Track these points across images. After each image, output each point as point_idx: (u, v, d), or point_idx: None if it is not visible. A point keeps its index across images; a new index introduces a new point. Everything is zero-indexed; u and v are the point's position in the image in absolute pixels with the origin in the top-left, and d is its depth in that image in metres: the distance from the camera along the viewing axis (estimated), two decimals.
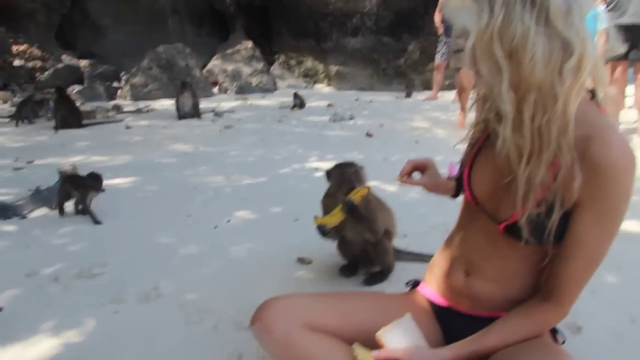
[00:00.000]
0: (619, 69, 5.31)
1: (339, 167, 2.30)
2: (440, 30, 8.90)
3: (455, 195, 1.73)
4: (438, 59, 9.07)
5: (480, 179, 1.43)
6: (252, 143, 5.54)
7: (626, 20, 5.09)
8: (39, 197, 3.54)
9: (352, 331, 1.43)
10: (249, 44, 11.24)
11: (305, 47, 11.77)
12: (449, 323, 1.53)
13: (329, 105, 8.39)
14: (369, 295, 1.71)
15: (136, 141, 5.70)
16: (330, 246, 2.45)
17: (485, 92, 1.29)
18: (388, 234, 2.39)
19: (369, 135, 5.83)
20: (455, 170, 1.71)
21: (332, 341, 1.39)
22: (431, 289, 1.60)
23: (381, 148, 5.18)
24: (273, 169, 4.41)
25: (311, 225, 3.05)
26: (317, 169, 4.37)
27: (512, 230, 1.32)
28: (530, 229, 1.26)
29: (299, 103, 8.07)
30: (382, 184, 3.92)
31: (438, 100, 9.22)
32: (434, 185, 1.74)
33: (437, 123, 6.78)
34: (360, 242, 2.32)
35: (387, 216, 2.41)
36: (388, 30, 11.33)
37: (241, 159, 4.84)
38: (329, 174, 2.33)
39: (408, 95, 9.82)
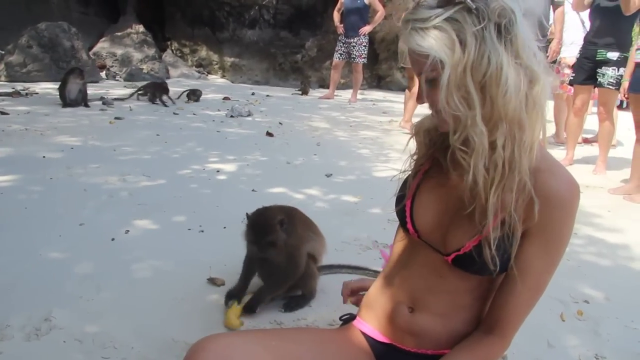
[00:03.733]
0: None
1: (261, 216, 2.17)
2: (340, 30, 8.92)
3: None
4: (336, 58, 9.09)
5: (425, 211, 1.40)
6: (146, 138, 5.21)
7: None
8: None
9: None
10: (141, 27, 10.67)
11: (199, 36, 11.37)
12: (386, 356, 1.46)
13: (224, 98, 8.14)
14: (305, 333, 1.56)
15: (14, 130, 5.16)
16: (241, 263, 2.29)
17: (449, 124, 1.21)
18: (313, 258, 2.27)
19: (269, 134, 5.67)
20: (388, 256, 1.64)
21: None
22: (370, 326, 1.51)
23: (284, 150, 5.05)
24: (172, 169, 4.15)
25: (219, 238, 2.90)
26: (218, 171, 4.17)
27: (462, 261, 1.30)
28: (486, 257, 1.25)
29: (194, 98, 7.71)
30: (288, 191, 3.81)
31: (334, 99, 9.23)
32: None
33: (336, 124, 6.76)
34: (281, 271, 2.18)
35: (312, 242, 2.28)
36: (286, 25, 11.18)
37: (136, 156, 4.52)
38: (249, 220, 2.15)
39: (304, 92, 9.75)
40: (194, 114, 6.67)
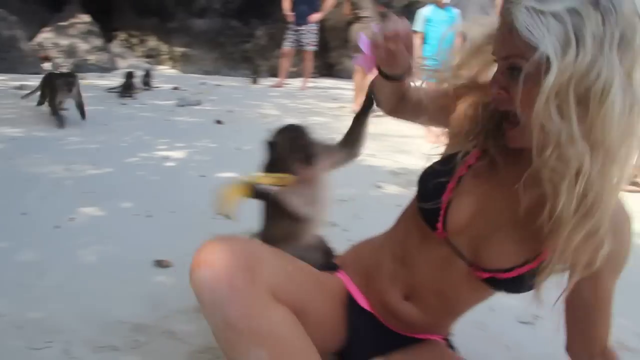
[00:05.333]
0: None
1: (287, 131, 1.81)
2: (290, 18, 8.90)
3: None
4: (286, 46, 9.08)
5: (461, 212, 1.25)
6: (93, 128, 5.10)
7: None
8: None
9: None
10: (86, 17, 10.39)
11: (148, 26, 11.14)
12: (359, 321, 1.42)
13: (174, 88, 8.03)
14: (309, 270, 1.44)
15: None
16: (190, 245, 2.28)
17: (533, 136, 1.02)
18: None
19: (219, 122, 5.64)
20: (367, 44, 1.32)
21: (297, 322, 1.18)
22: (353, 285, 1.47)
23: (233, 136, 5.03)
24: (119, 157, 4.09)
25: (167, 222, 2.88)
26: (167, 158, 4.13)
27: (497, 283, 1.23)
28: (526, 284, 1.17)
29: (131, 83, 7.37)
30: (236, 173, 3.78)
31: (284, 87, 9.22)
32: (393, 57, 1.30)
33: (287, 111, 6.77)
34: None
35: None
36: (236, 14, 11.08)
37: (82, 145, 4.43)
38: (274, 144, 1.79)
39: (254, 81, 9.70)
40: (142, 104, 6.57)
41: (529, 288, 1.17)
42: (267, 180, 1.67)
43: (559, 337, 1.35)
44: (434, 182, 1.28)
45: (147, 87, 7.62)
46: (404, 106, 1.49)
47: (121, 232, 2.74)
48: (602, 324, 1.27)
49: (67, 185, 3.43)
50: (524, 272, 1.17)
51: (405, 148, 5.04)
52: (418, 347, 1.42)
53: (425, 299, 1.33)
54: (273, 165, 1.77)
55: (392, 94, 1.47)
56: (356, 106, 6.65)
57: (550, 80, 0.95)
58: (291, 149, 1.74)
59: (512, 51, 1.03)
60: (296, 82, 9.55)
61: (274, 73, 10.22)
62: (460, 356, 1.46)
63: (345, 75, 10.90)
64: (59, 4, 10.56)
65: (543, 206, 1.07)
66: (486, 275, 1.21)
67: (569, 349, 1.34)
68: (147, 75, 7.76)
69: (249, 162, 4.06)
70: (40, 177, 3.55)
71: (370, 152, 4.64)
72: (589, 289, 1.21)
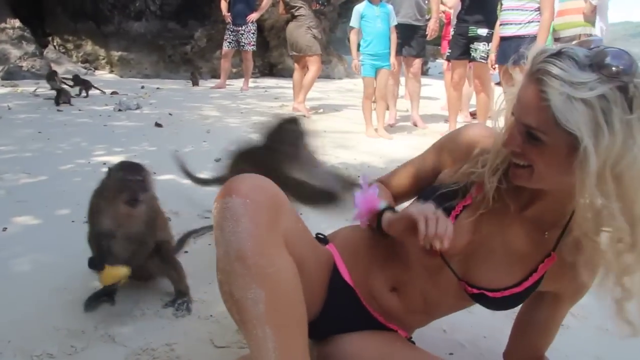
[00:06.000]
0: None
1: (122, 169, 1.93)
2: (227, 19, 8.88)
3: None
4: (225, 47, 9.05)
5: (460, 242, 1.30)
6: (27, 136, 4.98)
7: (399, 20, 5.56)
8: None
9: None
10: (17, 22, 10.07)
11: (83, 30, 10.89)
12: (339, 294, 1.47)
13: (113, 93, 7.89)
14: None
15: None
16: None
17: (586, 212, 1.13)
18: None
19: (158, 125, 5.59)
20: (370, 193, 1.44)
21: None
22: (341, 259, 1.50)
23: (172, 139, 5.00)
24: (54, 165, 4.01)
25: None
26: (104, 164, 4.06)
27: (481, 299, 1.33)
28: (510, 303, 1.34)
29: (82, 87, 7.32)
30: (177, 177, 3.78)
31: (226, 88, 9.18)
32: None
33: (227, 112, 6.76)
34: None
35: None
36: (174, 16, 10.95)
37: (15, 154, 4.32)
38: (110, 173, 1.95)
39: (195, 83, 9.62)
40: (79, 110, 6.43)
41: (512, 307, 1.33)
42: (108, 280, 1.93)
43: None
44: (441, 206, 1.30)
45: (82, 94, 7.44)
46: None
47: (58, 239, 2.70)
48: (548, 339, 1.43)
49: None
50: (510, 294, 1.28)
51: (346, 144, 5.11)
52: (384, 333, 1.47)
53: (410, 295, 1.41)
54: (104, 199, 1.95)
55: None
56: (296, 104, 6.71)
57: (590, 167, 1.02)
58: (119, 189, 1.87)
59: (539, 125, 1.09)
60: (238, 83, 9.54)
61: (215, 74, 10.18)
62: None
63: (287, 74, 10.96)
64: None
65: (538, 245, 1.27)
66: (475, 291, 1.31)
67: (508, 356, 1.48)
68: (78, 81, 7.56)
69: (188, 165, 4.07)
70: None
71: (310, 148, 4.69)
72: (548, 311, 1.38)
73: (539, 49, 1.11)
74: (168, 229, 2.27)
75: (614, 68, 1.01)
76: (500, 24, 4.95)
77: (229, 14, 8.87)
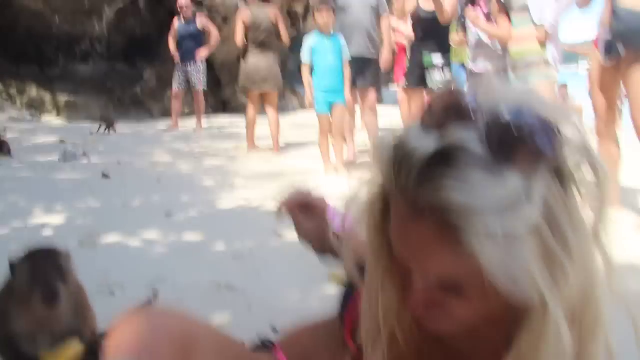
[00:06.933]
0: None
1: (32, 259, 1.62)
2: (176, 58, 8.67)
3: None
4: (175, 87, 8.84)
5: None
6: None
7: (351, 53, 5.41)
8: None
9: None
10: None
11: (27, 74, 10.49)
12: None
13: (61, 141, 7.52)
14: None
15: None
16: None
17: None
18: None
19: (105, 176, 5.27)
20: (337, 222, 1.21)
21: None
22: None
23: (120, 191, 4.69)
24: None
25: None
26: (43, 226, 3.75)
27: None
28: None
29: None
30: (123, 239, 3.49)
31: (179, 129, 8.91)
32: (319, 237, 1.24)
33: (180, 156, 6.48)
34: None
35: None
36: (121, 56, 10.69)
37: None
38: (14, 269, 1.60)
39: (108, 129, 8.39)
40: (20, 163, 6.07)
41: None
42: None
43: None
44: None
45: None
46: None
47: None
48: None
49: None
50: None
51: (307, 185, 4.88)
52: None
53: None
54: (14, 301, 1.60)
55: None
56: (250, 144, 6.51)
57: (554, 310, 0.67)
58: (32, 281, 1.56)
59: (451, 270, 0.72)
60: (191, 123, 9.26)
61: (167, 115, 9.89)
62: None
63: (241, 111, 10.77)
64: None
65: None
66: None
67: None
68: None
69: (136, 221, 3.80)
70: None
71: (267, 194, 4.46)
72: None
73: (406, 150, 0.70)
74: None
75: (532, 147, 0.67)
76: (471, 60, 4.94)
77: (177, 52, 8.67)
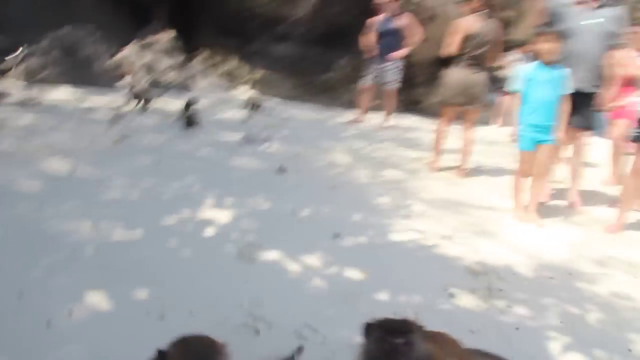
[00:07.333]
0: None
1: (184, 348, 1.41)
2: (373, 53, 8.36)
3: None
4: (367, 81, 8.56)
5: None
6: (144, 166, 4.68)
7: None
8: None
9: None
10: (169, 35, 10.22)
11: (229, 47, 10.86)
12: None
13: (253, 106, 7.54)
14: None
15: (6, 151, 4.68)
16: None
17: None
18: None
19: (281, 170, 5.07)
20: None
21: None
22: None
23: (291, 194, 4.44)
24: (157, 215, 3.60)
25: (181, 328, 2.35)
26: (209, 223, 3.61)
27: None
28: None
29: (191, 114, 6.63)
30: (283, 259, 3.22)
31: (361, 124, 8.60)
32: None
33: (359, 159, 6.11)
34: None
35: None
36: (320, 41, 10.61)
37: (123, 193, 3.99)
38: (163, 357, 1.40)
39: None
40: (205, 135, 6.12)
41: None
42: None
43: None
44: None
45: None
46: None
47: (121, 340, 2.22)
48: None
49: (86, 255, 2.97)
50: None
51: (489, 227, 4.31)
52: None
53: None
54: None
55: None
56: (433, 162, 6.02)
57: None
58: None
59: None
60: (376, 119, 8.89)
61: (352, 106, 9.65)
62: None
63: (429, 113, 10.25)
64: (142, 21, 10.47)
65: None
66: None
67: None
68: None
69: (300, 237, 3.51)
70: (61, 237, 3.13)
71: (445, 231, 3.97)
72: None
73: None
74: None
75: None
76: None
77: (375, 47, 8.36)
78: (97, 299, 2.53)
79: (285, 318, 2.55)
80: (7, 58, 8.60)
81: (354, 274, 3.13)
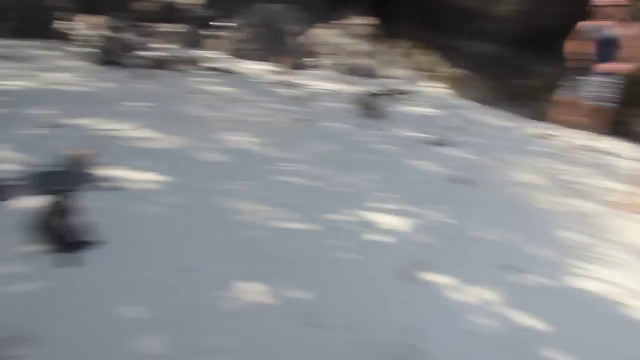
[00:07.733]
0: None
1: None
2: (586, 63, 7.57)
3: None
4: (572, 95, 7.82)
5: None
6: (322, 153, 4.70)
7: None
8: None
9: None
10: (364, 20, 10.26)
11: (423, 39, 10.61)
12: None
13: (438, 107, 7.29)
14: None
15: (194, 117, 4.96)
16: None
17: None
18: None
19: (458, 179, 4.76)
20: None
21: None
22: None
23: (463, 209, 4.11)
24: (324, 209, 3.56)
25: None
26: (372, 226, 3.48)
27: None
28: None
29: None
30: (448, 282, 2.98)
31: (554, 141, 7.87)
32: None
33: (544, 180, 5.57)
34: None
35: None
36: (523, 43, 9.94)
37: (301, 180, 4.00)
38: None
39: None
40: (387, 129, 6.00)
41: None
42: None
43: None
44: None
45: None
46: None
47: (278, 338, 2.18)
48: None
49: (247, 239, 2.98)
50: None
51: None
52: None
53: None
54: None
55: None
56: (634, 198, 5.27)
57: None
58: None
59: None
60: (570, 136, 8.08)
61: (541, 118, 8.91)
62: None
63: (637, 139, 9.22)
64: (340, 4, 10.58)
65: None
66: None
67: None
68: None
69: (468, 262, 3.24)
70: (221, 218, 3.18)
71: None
72: None
73: None
74: None
75: None
76: None
77: (587, 57, 7.58)
78: (251, 290, 2.51)
79: (439, 355, 2.34)
80: (214, 28, 9.21)
81: (525, 319, 2.80)
